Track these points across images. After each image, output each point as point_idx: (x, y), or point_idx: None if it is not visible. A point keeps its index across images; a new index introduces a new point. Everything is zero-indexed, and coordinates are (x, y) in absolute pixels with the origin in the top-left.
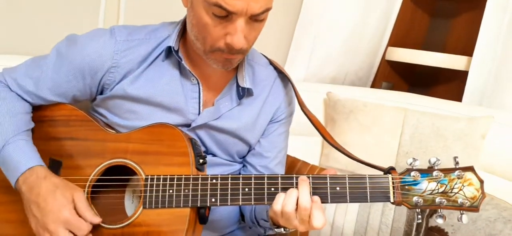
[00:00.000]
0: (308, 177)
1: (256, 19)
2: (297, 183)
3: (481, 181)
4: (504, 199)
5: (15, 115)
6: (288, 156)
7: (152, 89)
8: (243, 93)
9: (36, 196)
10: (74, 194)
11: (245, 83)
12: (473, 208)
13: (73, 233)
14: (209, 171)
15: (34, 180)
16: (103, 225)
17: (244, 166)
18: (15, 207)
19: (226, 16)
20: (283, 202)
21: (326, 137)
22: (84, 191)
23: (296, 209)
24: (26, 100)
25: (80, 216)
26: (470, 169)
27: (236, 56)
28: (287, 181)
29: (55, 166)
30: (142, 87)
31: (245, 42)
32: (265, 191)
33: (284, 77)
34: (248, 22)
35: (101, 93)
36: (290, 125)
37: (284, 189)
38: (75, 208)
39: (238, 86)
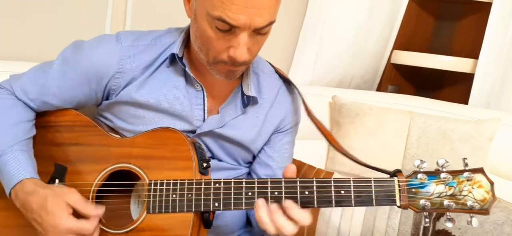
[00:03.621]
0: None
1: (259, 32)
2: (300, 186)
3: (491, 183)
4: None
5: (16, 124)
6: (293, 159)
7: (158, 95)
8: (248, 102)
9: (31, 212)
10: (67, 198)
11: (250, 91)
12: (483, 211)
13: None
14: (215, 176)
15: (23, 197)
16: (107, 229)
17: (249, 174)
18: (15, 213)
19: (229, 29)
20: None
21: (334, 144)
22: (89, 197)
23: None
24: (31, 108)
25: (83, 215)
26: (480, 170)
27: (239, 68)
28: (290, 185)
29: (60, 171)
30: (147, 93)
31: (248, 55)
32: (268, 195)
33: (289, 86)
34: (251, 35)
35: (107, 99)
36: (296, 134)
37: (288, 193)
38: (74, 211)
39: (243, 94)
